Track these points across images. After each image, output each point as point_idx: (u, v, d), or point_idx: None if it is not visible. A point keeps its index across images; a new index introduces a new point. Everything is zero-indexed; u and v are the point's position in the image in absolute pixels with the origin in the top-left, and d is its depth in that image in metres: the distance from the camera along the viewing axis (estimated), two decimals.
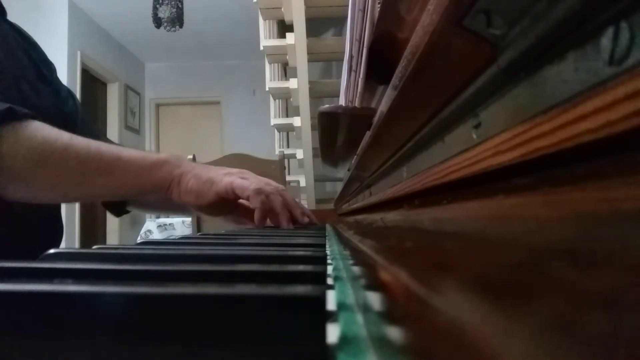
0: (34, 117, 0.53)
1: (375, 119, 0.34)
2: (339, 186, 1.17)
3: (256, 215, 0.64)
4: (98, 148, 0.56)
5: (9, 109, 0.50)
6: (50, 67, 0.75)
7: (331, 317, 0.16)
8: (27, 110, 0.53)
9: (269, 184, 0.68)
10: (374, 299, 0.16)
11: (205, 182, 0.62)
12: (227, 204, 0.66)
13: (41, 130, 0.53)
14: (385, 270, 0.17)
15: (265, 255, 0.25)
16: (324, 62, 2.80)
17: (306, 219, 0.70)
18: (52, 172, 0.53)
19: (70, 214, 3.43)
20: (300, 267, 0.21)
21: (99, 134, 0.86)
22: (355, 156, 0.54)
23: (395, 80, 0.24)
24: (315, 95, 2.14)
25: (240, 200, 0.67)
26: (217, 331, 0.13)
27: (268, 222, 0.69)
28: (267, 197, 0.64)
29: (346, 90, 0.50)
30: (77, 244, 3.57)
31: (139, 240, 0.53)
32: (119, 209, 0.86)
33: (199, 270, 0.19)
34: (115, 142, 0.89)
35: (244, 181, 0.63)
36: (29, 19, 3.02)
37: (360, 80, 0.45)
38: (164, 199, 0.84)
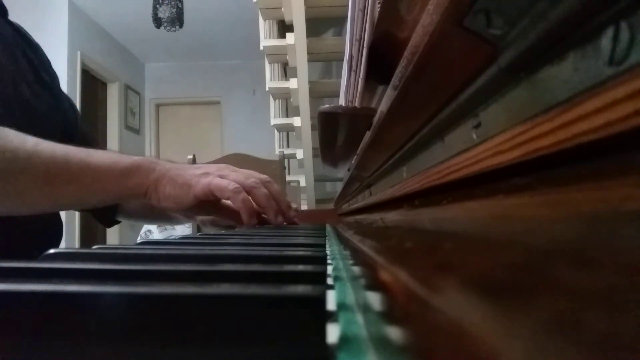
0: (0, 124, 0.50)
1: (375, 119, 0.34)
2: (339, 186, 1.17)
3: (242, 216, 0.61)
4: (65, 155, 0.53)
5: None
6: (50, 73, 0.75)
7: (331, 317, 0.16)
8: None
9: (249, 176, 0.64)
10: (374, 299, 0.16)
11: (182, 186, 0.59)
12: (209, 205, 0.63)
13: (3, 139, 0.49)
14: (385, 271, 0.17)
15: (265, 255, 0.25)
16: (324, 62, 2.80)
17: (293, 213, 0.66)
18: (15, 182, 0.50)
19: (70, 214, 3.43)
20: (300, 267, 0.21)
21: (97, 145, 0.84)
22: (355, 156, 0.54)
23: (395, 80, 0.24)
24: (315, 95, 2.14)
25: (223, 201, 0.64)
26: (217, 331, 0.13)
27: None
28: (249, 192, 0.61)
29: (346, 90, 0.50)
30: (77, 244, 3.57)
31: (139, 240, 0.52)
32: (109, 220, 0.83)
33: (199, 270, 0.19)
34: (115, 149, 0.88)
35: (222, 181, 0.60)
36: (29, 19, 3.01)
37: (360, 80, 0.45)
38: (150, 207, 0.80)
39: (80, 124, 0.80)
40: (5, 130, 0.50)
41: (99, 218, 0.83)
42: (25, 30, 0.73)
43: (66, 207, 0.63)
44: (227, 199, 0.60)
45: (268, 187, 0.64)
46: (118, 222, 0.85)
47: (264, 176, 0.66)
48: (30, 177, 0.50)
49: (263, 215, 0.66)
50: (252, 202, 0.62)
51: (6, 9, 0.69)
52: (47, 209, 0.58)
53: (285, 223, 0.67)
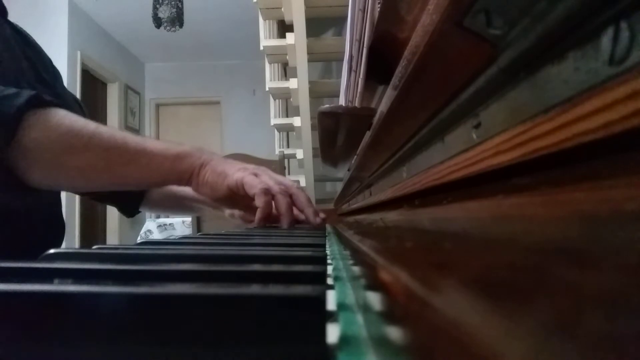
0: (59, 105, 0.54)
1: (375, 119, 0.34)
2: (339, 186, 1.17)
3: (257, 214, 0.64)
4: (124, 137, 0.57)
5: (36, 95, 0.51)
6: (49, 71, 0.75)
7: (331, 317, 0.16)
8: (52, 98, 0.53)
9: (280, 183, 0.67)
10: (374, 299, 0.16)
11: (219, 175, 0.63)
12: (239, 199, 0.66)
13: (69, 118, 0.54)
14: (385, 270, 0.17)
15: (265, 255, 0.25)
16: (324, 62, 2.80)
17: (318, 220, 0.69)
18: (78, 160, 0.54)
19: (70, 214, 3.43)
20: (300, 267, 0.21)
21: None
22: (355, 156, 0.54)
23: (395, 80, 0.24)
24: (315, 95, 2.14)
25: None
26: (217, 331, 0.13)
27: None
28: (274, 197, 0.64)
29: (346, 90, 0.50)
30: (77, 244, 3.57)
31: (139, 240, 0.53)
32: (132, 210, 0.88)
33: (199, 270, 0.19)
34: None
35: (254, 179, 0.63)
36: (29, 19, 3.02)
37: (360, 80, 0.45)
38: (174, 197, 0.86)
39: None
40: (68, 112, 0.54)
41: (122, 208, 0.88)
42: (24, 30, 0.73)
43: (120, 187, 0.67)
44: (253, 196, 0.63)
45: (296, 195, 0.67)
46: (138, 212, 0.90)
47: (294, 184, 0.69)
48: (93, 154, 0.55)
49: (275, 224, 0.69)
50: (273, 206, 0.65)
51: (6, 9, 0.69)
52: (101, 187, 0.64)
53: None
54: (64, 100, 0.75)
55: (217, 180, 0.62)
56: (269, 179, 0.65)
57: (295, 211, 0.67)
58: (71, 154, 0.53)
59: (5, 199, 0.58)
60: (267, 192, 0.63)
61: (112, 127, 0.58)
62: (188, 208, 0.88)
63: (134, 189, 0.71)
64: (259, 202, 0.63)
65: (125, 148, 0.57)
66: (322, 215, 0.70)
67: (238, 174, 0.63)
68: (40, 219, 0.68)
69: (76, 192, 0.71)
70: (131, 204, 0.87)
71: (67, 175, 0.55)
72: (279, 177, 0.68)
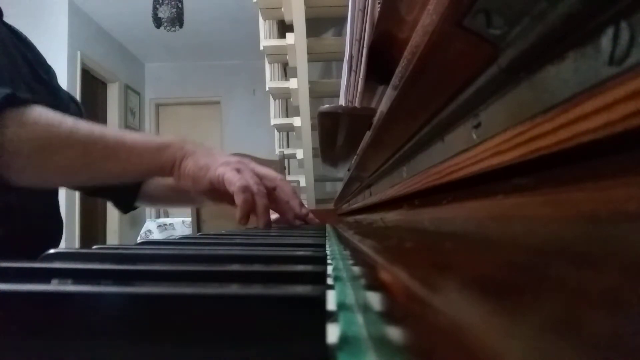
0: (36, 102, 0.53)
1: (375, 119, 0.34)
2: (339, 186, 1.17)
3: (237, 212, 0.63)
4: (102, 132, 0.57)
5: (11, 94, 0.50)
6: (46, 70, 0.75)
7: (331, 317, 0.16)
8: (28, 96, 0.53)
9: (264, 176, 0.65)
10: (374, 299, 0.16)
11: (201, 168, 0.61)
12: (221, 193, 0.64)
13: (45, 115, 0.53)
14: (385, 271, 0.17)
15: (265, 255, 0.25)
16: (324, 62, 2.80)
17: (304, 210, 0.68)
18: (57, 157, 0.54)
19: (70, 214, 3.43)
20: (300, 267, 0.21)
21: None
22: (355, 156, 0.54)
23: (395, 80, 0.24)
24: (315, 95, 2.14)
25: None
26: (217, 331, 0.13)
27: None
28: (252, 196, 0.62)
29: (346, 90, 0.50)
30: (77, 244, 3.57)
31: (139, 240, 0.53)
32: (127, 206, 0.86)
33: (199, 270, 0.19)
34: None
35: (234, 175, 0.61)
36: (29, 19, 3.02)
37: (360, 80, 0.45)
38: (171, 189, 0.84)
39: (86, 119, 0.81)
40: (45, 109, 0.54)
41: (117, 203, 0.86)
42: (19, 30, 0.73)
43: (102, 181, 0.66)
44: (232, 193, 0.62)
45: (281, 185, 0.67)
46: (135, 208, 0.88)
47: (277, 180, 0.68)
48: (71, 151, 0.55)
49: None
50: (252, 204, 0.63)
51: (1, 10, 0.69)
52: (84, 183, 0.64)
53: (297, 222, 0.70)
54: (59, 97, 0.75)
55: (199, 174, 0.61)
56: (250, 175, 0.64)
57: (285, 206, 0.66)
58: (49, 152, 0.53)
59: (1, 200, 0.58)
60: (246, 190, 0.61)
61: (90, 123, 0.57)
62: (187, 200, 0.86)
63: (117, 182, 0.70)
64: (238, 200, 0.61)
65: (105, 142, 0.56)
66: (305, 210, 0.69)
67: (220, 168, 0.62)
68: (38, 218, 0.68)
69: (61, 187, 0.70)
70: (125, 198, 0.85)
71: (47, 173, 0.55)
72: (263, 170, 0.67)
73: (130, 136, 0.59)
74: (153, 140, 0.61)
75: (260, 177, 0.65)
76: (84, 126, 0.56)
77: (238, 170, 0.63)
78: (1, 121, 0.49)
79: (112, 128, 0.60)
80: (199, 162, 0.62)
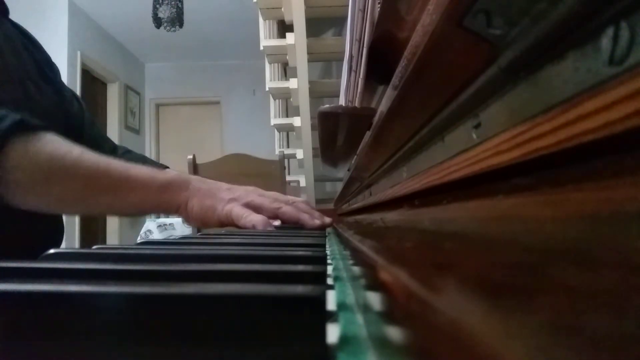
0: (47, 129, 0.53)
1: (375, 119, 0.34)
2: (339, 186, 1.17)
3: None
4: (107, 165, 0.56)
5: (21, 121, 0.50)
6: (53, 68, 0.75)
7: (331, 317, 0.16)
8: (39, 122, 0.52)
9: (277, 199, 0.66)
10: (374, 299, 0.16)
11: (208, 209, 0.62)
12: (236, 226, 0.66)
13: (51, 144, 0.52)
14: (385, 271, 0.17)
15: (265, 255, 0.25)
16: (324, 62, 2.80)
17: (327, 220, 0.68)
18: (58, 188, 0.53)
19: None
20: (300, 267, 0.21)
21: (104, 135, 0.87)
22: (355, 156, 0.54)
23: (395, 80, 0.24)
24: (315, 95, 2.14)
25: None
26: (217, 331, 0.13)
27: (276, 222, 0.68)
28: (276, 210, 0.64)
29: (346, 90, 0.50)
30: (77, 244, 3.57)
31: (139, 240, 0.53)
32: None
33: (199, 270, 0.19)
34: (115, 142, 0.89)
35: (242, 210, 0.62)
36: (29, 19, 3.01)
37: (360, 80, 0.45)
38: None
39: (88, 117, 0.81)
40: (54, 136, 0.53)
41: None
42: (24, 28, 0.73)
43: (101, 214, 0.71)
44: (243, 226, 0.63)
45: (298, 204, 0.67)
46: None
47: (290, 199, 0.68)
48: (74, 183, 0.54)
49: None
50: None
51: (7, 8, 0.69)
52: (86, 213, 0.67)
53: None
54: (63, 96, 0.75)
55: (207, 214, 0.62)
56: (260, 200, 0.64)
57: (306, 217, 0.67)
58: (50, 183, 0.52)
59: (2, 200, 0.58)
60: (254, 228, 0.62)
61: (98, 154, 0.56)
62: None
63: (114, 216, 0.71)
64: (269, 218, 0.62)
65: (108, 176, 0.56)
66: (327, 219, 0.69)
67: (227, 206, 0.62)
68: (39, 218, 0.68)
69: (63, 214, 0.70)
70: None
71: (48, 202, 0.55)
72: (271, 196, 0.67)
73: (136, 172, 0.59)
74: (157, 177, 0.61)
75: (272, 199, 0.66)
76: (91, 158, 0.55)
77: (246, 206, 0.63)
78: (6, 148, 0.49)
79: (121, 162, 0.58)
80: (205, 203, 0.62)
